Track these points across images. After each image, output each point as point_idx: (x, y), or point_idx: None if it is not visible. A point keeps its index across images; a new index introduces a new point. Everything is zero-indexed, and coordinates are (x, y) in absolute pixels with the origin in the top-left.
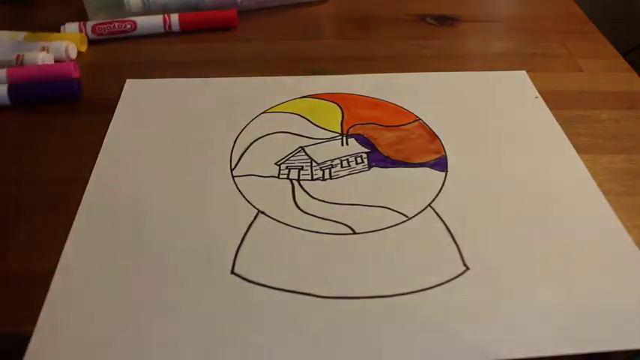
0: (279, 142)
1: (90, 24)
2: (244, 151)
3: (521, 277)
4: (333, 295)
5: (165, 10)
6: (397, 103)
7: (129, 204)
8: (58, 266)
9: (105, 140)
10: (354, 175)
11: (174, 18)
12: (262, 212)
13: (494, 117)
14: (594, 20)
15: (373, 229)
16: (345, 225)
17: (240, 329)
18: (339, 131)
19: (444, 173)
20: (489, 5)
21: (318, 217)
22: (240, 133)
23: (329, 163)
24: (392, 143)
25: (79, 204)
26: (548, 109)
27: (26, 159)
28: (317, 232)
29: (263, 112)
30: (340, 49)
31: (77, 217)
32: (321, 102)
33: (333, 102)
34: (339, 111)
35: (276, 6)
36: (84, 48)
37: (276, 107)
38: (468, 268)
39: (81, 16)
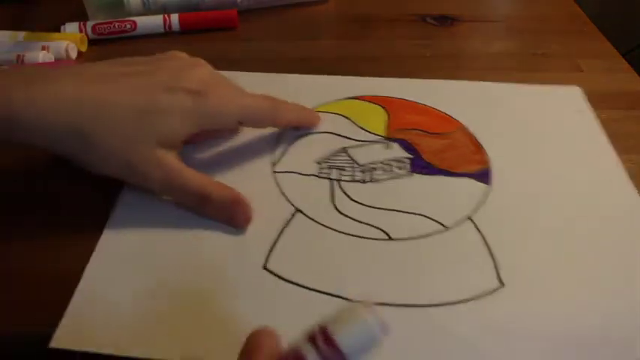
0: (322, 141)
1: (90, 24)
2: (287, 148)
3: (559, 298)
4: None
5: (165, 10)
6: (443, 110)
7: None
8: (90, 261)
9: None
10: (395, 180)
11: (174, 18)
12: (300, 211)
13: (542, 131)
14: (594, 20)
15: (409, 236)
16: (381, 230)
17: (267, 324)
18: (383, 134)
19: (486, 185)
20: (489, 5)
21: (355, 220)
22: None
23: (370, 165)
24: (435, 151)
25: (109, 204)
26: (598, 126)
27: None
28: (352, 235)
29: None
30: (340, 49)
31: (112, 216)
32: (365, 104)
33: (378, 104)
34: (385, 114)
35: (276, 6)
36: (84, 48)
37: (321, 106)
38: (503, 285)
39: (81, 16)
